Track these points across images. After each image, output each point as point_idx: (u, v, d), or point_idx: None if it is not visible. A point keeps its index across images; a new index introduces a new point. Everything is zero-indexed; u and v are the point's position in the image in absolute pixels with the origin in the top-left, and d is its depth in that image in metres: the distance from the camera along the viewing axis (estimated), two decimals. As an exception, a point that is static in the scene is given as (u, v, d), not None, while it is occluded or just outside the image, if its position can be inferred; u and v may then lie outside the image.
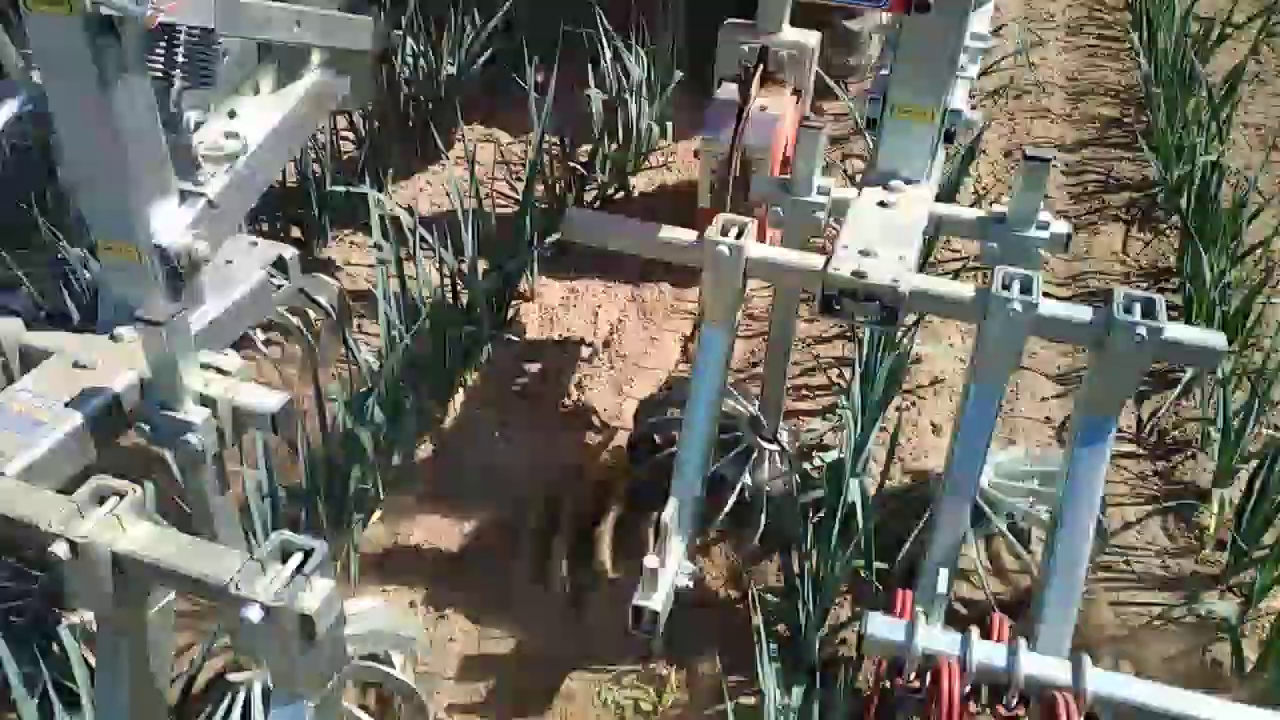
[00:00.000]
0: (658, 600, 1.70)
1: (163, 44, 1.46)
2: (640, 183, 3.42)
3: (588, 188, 3.31)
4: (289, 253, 1.70)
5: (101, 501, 1.21)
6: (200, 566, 1.16)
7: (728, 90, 2.38)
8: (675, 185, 3.40)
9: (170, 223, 1.42)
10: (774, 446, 2.26)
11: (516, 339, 2.79)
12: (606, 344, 2.81)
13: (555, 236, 2.94)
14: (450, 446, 2.47)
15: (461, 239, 2.59)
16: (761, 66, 2.37)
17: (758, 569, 2.18)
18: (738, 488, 2.21)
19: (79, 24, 1.24)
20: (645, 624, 1.71)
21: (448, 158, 3.27)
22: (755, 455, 2.25)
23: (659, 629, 1.72)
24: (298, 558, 1.14)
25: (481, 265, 2.67)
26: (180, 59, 1.46)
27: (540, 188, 3.03)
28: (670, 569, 1.76)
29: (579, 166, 3.26)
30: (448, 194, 3.18)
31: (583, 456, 2.45)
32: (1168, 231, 3.24)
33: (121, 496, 1.21)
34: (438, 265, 2.62)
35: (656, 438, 2.27)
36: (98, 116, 1.30)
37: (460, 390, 2.60)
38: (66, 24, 1.24)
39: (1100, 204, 3.39)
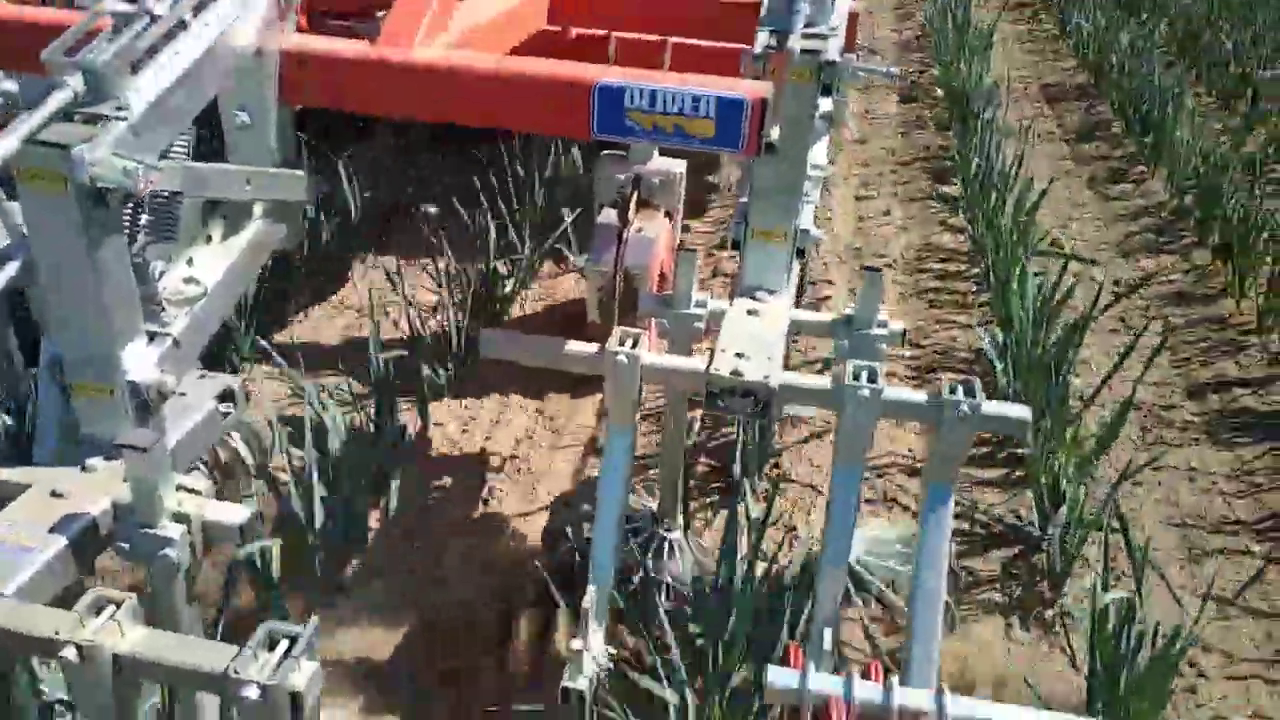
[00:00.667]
0: (583, 681, 1.92)
1: (130, 206, 1.68)
2: (531, 303, 3.74)
3: (483, 310, 3.59)
4: (235, 384, 1.90)
5: (99, 611, 1.37)
6: (199, 659, 1.33)
7: (608, 215, 2.71)
8: (562, 305, 3.72)
9: (141, 362, 1.62)
10: (674, 535, 2.52)
11: (427, 459, 3.00)
12: (513, 456, 3.04)
13: (455, 362, 3.20)
14: (371, 564, 2.64)
15: (367, 369, 2.82)
16: (636, 193, 2.72)
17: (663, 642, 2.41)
18: (640, 574, 2.45)
19: (73, 197, 1.45)
20: (573, 703, 1.92)
21: (349, 289, 3.51)
22: (657, 544, 2.51)
23: (586, 707, 1.93)
24: (284, 644, 1.33)
25: (386, 393, 2.90)
26: (146, 219, 1.68)
27: (440, 315, 3.30)
28: (594, 650, 1.98)
29: (476, 290, 3.55)
30: (350, 325, 3.41)
31: (498, 557, 2.66)
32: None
33: (118, 605, 1.37)
34: (343, 396, 2.83)
35: (569, 530, 2.51)
36: (83, 275, 1.51)
37: (375, 511, 2.78)
38: (60, 197, 1.46)
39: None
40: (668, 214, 2.79)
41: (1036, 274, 3.53)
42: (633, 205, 2.68)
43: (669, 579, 2.45)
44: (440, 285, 3.34)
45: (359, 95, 2.11)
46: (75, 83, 1.47)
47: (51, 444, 1.75)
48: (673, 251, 2.48)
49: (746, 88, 1.96)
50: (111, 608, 1.37)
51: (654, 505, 2.54)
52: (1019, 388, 3.05)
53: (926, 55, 6.43)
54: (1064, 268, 3.48)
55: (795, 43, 1.95)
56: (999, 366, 3.17)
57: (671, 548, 2.50)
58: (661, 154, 2.82)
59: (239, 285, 1.96)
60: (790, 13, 2.04)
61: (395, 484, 2.76)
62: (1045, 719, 1.77)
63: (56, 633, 1.32)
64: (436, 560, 2.63)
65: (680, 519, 2.57)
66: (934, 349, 3.62)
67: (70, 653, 1.31)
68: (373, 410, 2.82)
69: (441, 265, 3.37)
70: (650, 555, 2.47)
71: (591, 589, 2.00)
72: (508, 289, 3.55)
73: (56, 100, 1.45)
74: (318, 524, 2.48)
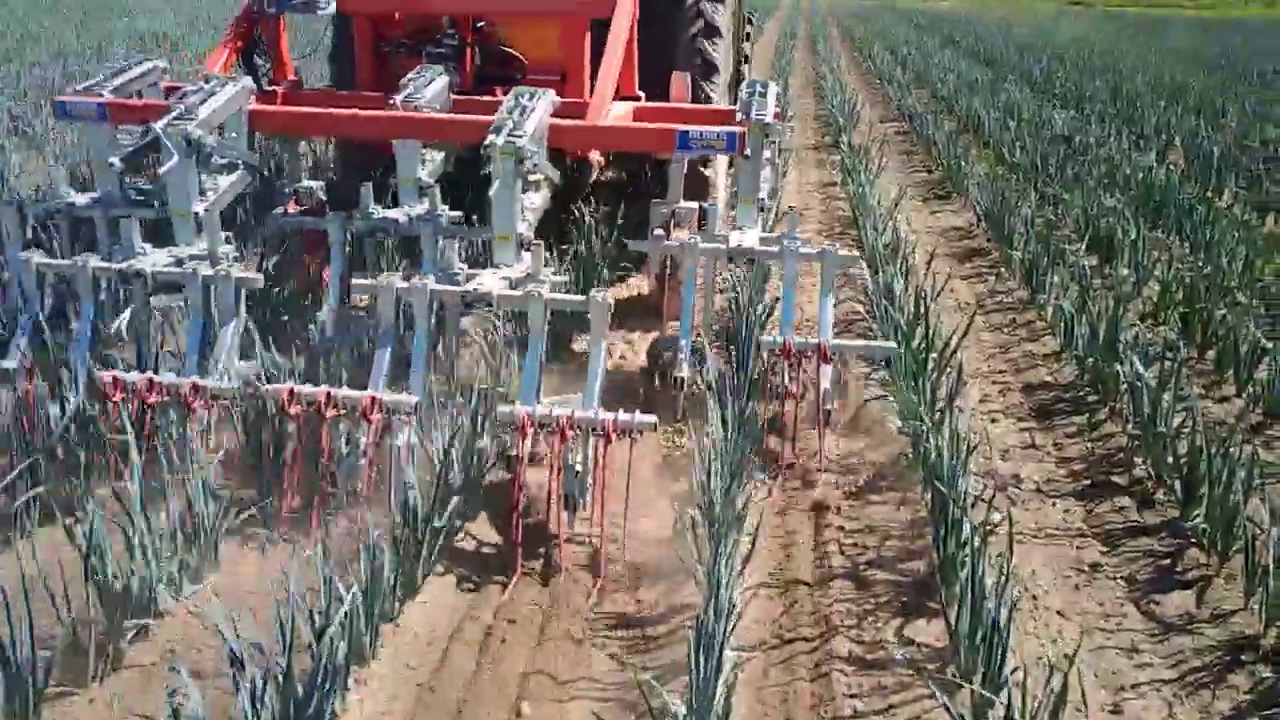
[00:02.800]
0: (685, 371, 3.77)
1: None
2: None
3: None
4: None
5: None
6: None
7: (659, 232, 4.15)
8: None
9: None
10: (709, 354, 4.08)
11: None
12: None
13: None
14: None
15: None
16: (672, 220, 4.43)
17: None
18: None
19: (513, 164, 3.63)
20: (679, 386, 3.76)
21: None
22: (700, 356, 3.95)
23: (685, 384, 3.74)
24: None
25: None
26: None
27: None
28: (684, 369, 3.76)
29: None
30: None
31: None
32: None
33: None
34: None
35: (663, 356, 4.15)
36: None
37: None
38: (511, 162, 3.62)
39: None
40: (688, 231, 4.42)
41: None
42: (671, 226, 4.60)
43: (709, 368, 3.82)
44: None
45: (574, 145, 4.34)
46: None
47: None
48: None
49: (736, 129, 3.95)
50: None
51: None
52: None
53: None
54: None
55: (753, 116, 4.11)
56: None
57: (706, 357, 3.91)
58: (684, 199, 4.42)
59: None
60: (750, 106, 4.17)
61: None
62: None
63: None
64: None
65: (708, 347, 3.99)
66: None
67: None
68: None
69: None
70: (699, 361, 3.90)
71: (682, 346, 3.84)
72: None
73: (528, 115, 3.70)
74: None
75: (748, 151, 4.01)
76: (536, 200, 3.87)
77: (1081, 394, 4.31)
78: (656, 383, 4.01)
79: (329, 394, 3.06)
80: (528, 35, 4.77)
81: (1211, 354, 4.57)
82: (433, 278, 3.36)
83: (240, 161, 3.87)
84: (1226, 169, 7.85)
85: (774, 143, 5.34)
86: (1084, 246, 6.03)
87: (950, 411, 3.45)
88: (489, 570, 3.03)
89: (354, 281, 3.45)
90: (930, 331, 4.07)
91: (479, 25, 4.77)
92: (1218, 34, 22.63)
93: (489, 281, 3.36)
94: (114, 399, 3.11)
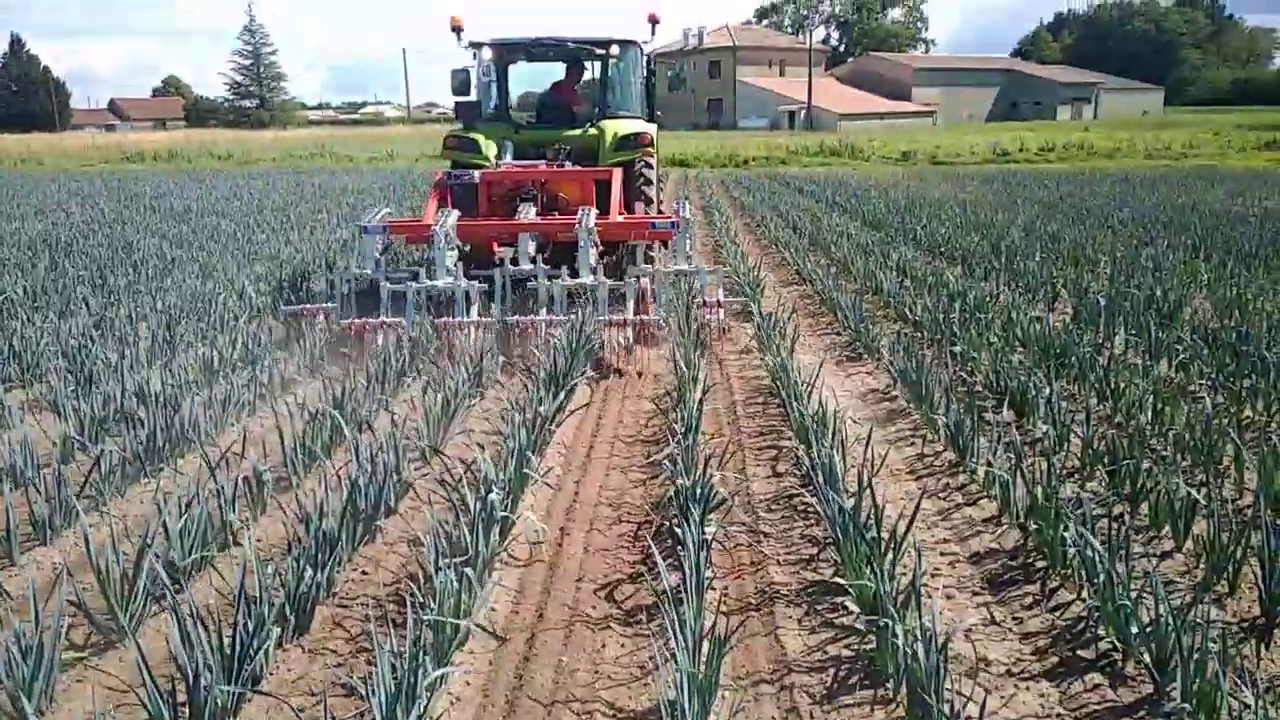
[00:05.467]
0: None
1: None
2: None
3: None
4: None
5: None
6: None
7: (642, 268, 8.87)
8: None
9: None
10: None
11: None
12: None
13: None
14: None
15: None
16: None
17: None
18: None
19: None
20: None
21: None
22: None
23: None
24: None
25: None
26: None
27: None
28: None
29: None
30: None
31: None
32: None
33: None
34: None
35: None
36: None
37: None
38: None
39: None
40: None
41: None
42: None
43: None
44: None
45: (602, 233, 8.58)
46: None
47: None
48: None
49: (673, 219, 8.68)
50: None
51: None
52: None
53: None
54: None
55: (680, 215, 8.73)
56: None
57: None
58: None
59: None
60: (677, 211, 8.76)
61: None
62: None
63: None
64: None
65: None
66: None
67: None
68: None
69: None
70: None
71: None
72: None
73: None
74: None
75: (676, 233, 8.83)
76: (594, 253, 8.25)
77: (1029, 560, 4.29)
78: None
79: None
80: (568, 188, 9.50)
81: (1145, 509, 4.64)
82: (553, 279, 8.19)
83: (457, 246, 8.46)
84: (1114, 316, 8.28)
85: (689, 227, 9.48)
86: (998, 403, 6.20)
87: (917, 603, 3.36)
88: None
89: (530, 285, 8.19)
90: (879, 512, 4.03)
91: (544, 183, 9.43)
92: (1074, 181, 24.51)
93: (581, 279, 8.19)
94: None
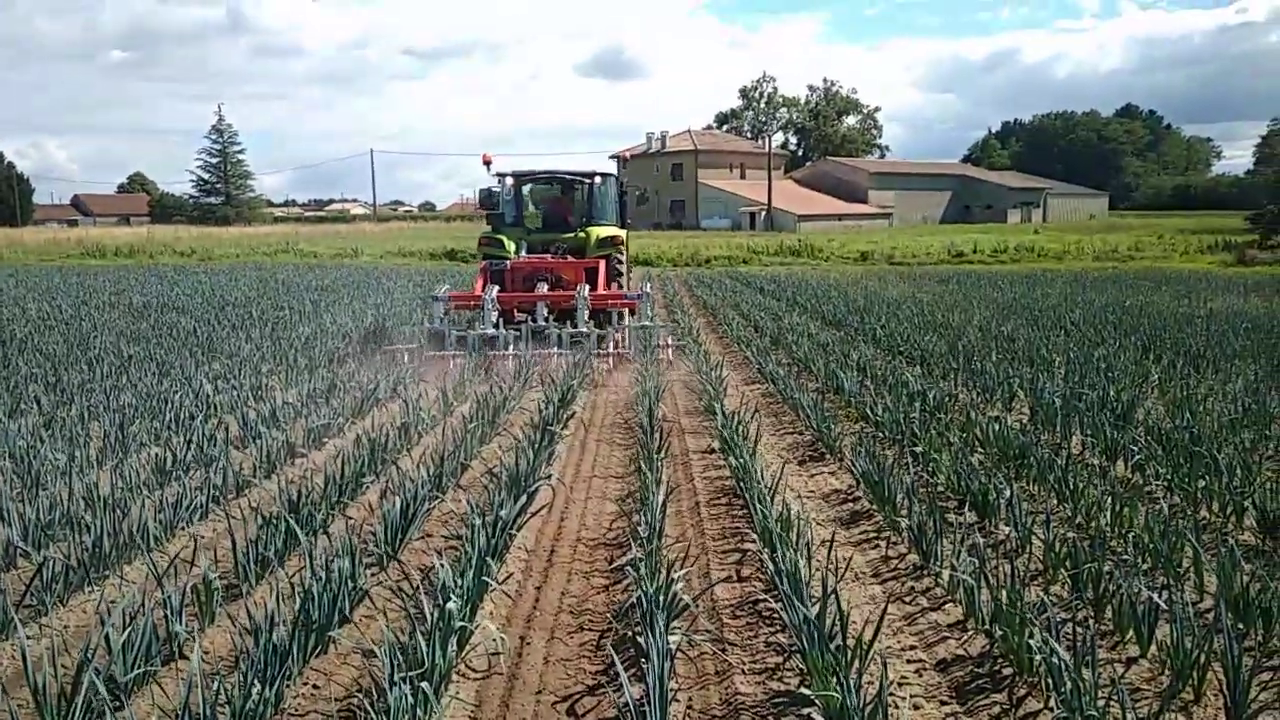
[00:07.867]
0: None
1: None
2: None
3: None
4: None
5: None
6: None
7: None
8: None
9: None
10: None
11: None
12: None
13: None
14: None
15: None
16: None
17: None
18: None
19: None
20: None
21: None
22: None
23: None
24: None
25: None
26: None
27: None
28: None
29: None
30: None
31: None
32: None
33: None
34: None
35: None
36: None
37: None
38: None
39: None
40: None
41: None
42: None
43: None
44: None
45: (594, 304, 13.37)
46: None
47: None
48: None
49: (640, 294, 13.37)
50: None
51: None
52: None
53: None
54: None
55: (643, 291, 13.23)
56: None
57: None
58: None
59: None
60: (643, 288, 13.51)
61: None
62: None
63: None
64: None
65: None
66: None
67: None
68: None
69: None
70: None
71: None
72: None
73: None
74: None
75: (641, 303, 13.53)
76: (587, 313, 12.86)
77: (996, 667, 4.24)
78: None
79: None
80: (568, 272, 14.13)
81: (1109, 614, 4.63)
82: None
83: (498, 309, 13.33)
84: (1070, 416, 8.41)
85: (650, 297, 13.91)
86: (960, 504, 6.22)
87: (884, 715, 3.29)
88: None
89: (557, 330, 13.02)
90: (844, 619, 3.98)
91: (552, 269, 14.11)
92: (1026, 282, 25.20)
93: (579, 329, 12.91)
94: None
